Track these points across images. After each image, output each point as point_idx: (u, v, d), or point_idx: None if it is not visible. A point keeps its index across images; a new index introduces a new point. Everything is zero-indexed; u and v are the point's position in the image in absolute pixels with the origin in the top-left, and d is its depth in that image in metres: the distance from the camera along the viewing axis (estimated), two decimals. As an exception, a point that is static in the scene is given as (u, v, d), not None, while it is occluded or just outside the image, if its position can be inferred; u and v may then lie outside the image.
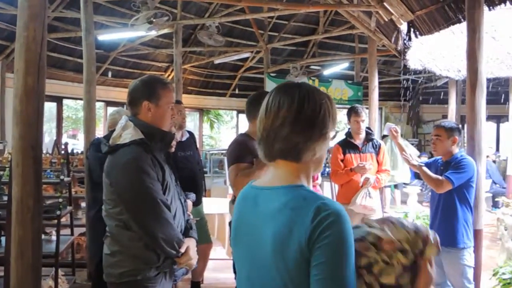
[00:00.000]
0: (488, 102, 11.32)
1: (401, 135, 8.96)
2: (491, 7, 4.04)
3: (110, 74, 10.41)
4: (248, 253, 1.22)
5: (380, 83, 12.58)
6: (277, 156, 1.20)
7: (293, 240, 1.06)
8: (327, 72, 11.70)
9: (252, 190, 1.27)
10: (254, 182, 1.31)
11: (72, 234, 4.53)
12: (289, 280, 1.07)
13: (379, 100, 13.04)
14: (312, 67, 12.27)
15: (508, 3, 4.08)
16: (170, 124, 2.27)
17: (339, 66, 11.38)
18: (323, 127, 1.19)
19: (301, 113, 1.16)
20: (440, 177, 3.37)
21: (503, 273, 3.98)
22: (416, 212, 6.24)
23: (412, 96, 13.86)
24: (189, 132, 4.16)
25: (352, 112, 4.31)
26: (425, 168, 3.47)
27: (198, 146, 4.61)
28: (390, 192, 9.30)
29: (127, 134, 2.11)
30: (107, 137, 2.41)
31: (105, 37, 7.89)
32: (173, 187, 2.21)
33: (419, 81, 12.79)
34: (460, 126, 3.63)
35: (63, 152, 4.83)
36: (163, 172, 2.12)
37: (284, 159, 1.19)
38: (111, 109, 9.20)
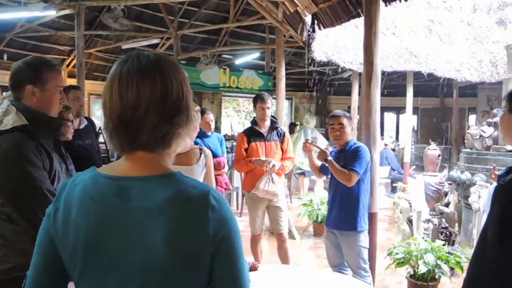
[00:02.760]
0: (389, 94, 12.08)
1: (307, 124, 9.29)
2: (387, 3, 4.26)
3: (5, 56, 9.59)
4: (119, 263, 1.00)
5: (290, 74, 12.94)
6: (141, 148, 1.05)
7: (194, 233, 0.98)
8: (238, 61, 11.75)
9: (112, 182, 1.04)
10: (103, 170, 1.08)
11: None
12: (183, 279, 1.00)
13: (290, 91, 13.45)
14: (224, 56, 12.24)
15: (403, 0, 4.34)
16: (58, 109, 2.11)
17: (250, 56, 11.48)
18: (189, 108, 1.09)
19: (167, 98, 1.03)
20: (346, 171, 3.48)
21: (397, 253, 4.24)
22: (320, 198, 6.47)
23: (320, 88, 14.38)
24: (88, 119, 3.94)
25: (258, 99, 4.35)
26: (336, 164, 3.57)
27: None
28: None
29: (9, 120, 1.92)
30: None
31: (-3, 16, 7.23)
32: (63, 176, 2.06)
33: (326, 73, 13.29)
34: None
35: None
36: (51, 160, 1.97)
37: (150, 151, 1.05)
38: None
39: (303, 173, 9.38)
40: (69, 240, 1.04)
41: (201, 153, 2.97)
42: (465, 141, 6.26)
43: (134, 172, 1.04)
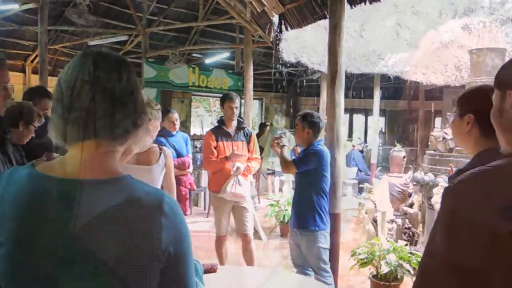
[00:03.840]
0: (358, 96, 12.21)
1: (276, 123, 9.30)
2: (352, 5, 4.29)
3: (-34, 52, 9.27)
4: (60, 272, 0.93)
5: (260, 74, 12.92)
6: (97, 135, 0.99)
7: (146, 241, 0.94)
8: (208, 61, 11.66)
9: (54, 185, 0.96)
10: (44, 170, 1.00)
11: None
12: None
13: (260, 91, 13.43)
14: (193, 55, 12.13)
15: (367, 2, 4.37)
16: (3, 106, 2.02)
17: (220, 56, 11.42)
18: (144, 107, 1.08)
19: (132, 95, 1.02)
20: (290, 160, 3.68)
21: (360, 254, 4.27)
22: (287, 198, 6.49)
23: (290, 88, 14.44)
24: (45, 117, 3.81)
25: (227, 99, 4.34)
26: (285, 153, 3.72)
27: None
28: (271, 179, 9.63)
29: None
30: None
31: (-45, 8, 6.95)
32: None
33: (296, 74, 13.35)
34: (320, 119, 3.83)
35: None
36: None
37: (106, 141, 1.00)
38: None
39: (272, 173, 9.38)
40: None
41: (160, 153, 2.91)
42: (429, 143, 6.37)
43: (80, 174, 0.97)
